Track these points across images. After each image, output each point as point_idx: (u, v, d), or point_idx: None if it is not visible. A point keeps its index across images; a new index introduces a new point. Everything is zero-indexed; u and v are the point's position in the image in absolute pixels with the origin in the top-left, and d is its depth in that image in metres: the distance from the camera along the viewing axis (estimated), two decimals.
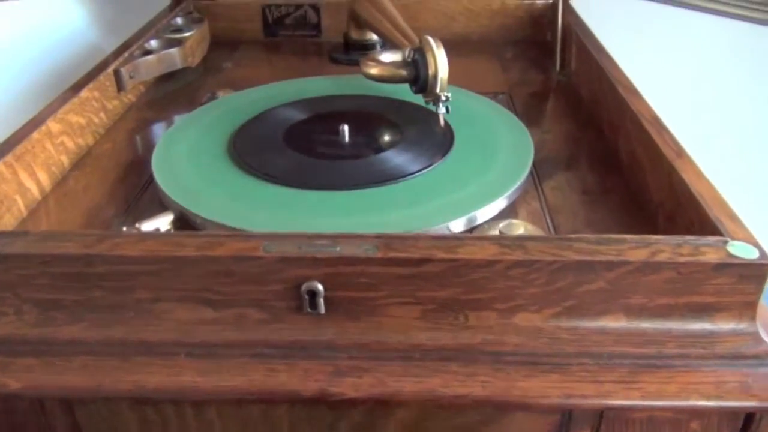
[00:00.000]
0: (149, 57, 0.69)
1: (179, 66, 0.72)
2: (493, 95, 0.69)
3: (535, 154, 0.55)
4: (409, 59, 0.57)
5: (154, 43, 0.72)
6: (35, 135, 0.52)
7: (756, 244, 0.37)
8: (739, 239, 0.38)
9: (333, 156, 0.54)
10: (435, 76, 0.55)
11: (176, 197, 0.48)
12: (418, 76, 0.56)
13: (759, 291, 0.37)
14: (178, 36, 0.74)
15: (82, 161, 0.58)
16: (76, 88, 0.60)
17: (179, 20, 0.80)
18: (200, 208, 0.47)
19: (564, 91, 0.72)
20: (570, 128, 0.63)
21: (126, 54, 0.68)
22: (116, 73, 0.65)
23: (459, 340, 0.39)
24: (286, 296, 0.38)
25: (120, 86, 0.65)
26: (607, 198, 0.52)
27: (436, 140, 0.55)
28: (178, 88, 0.74)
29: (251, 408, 0.40)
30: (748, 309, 0.37)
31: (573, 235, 0.38)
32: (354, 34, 0.80)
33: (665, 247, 0.37)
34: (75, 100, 0.58)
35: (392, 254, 0.37)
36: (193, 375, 0.38)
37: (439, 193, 0.49)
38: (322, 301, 0.38)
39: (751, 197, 0.93)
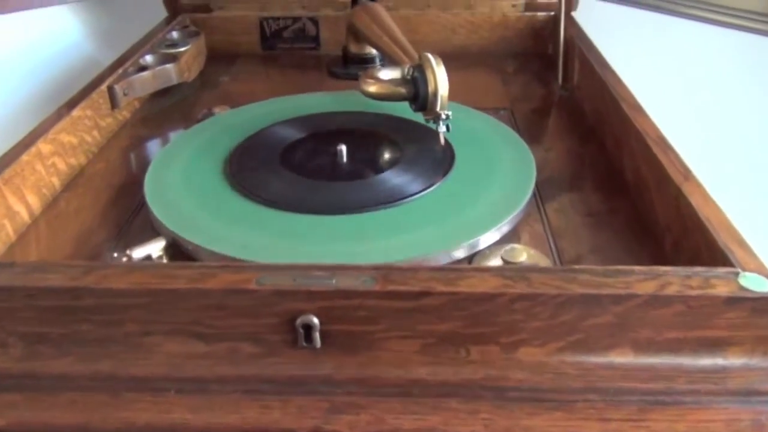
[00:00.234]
0: (144, 73, 0.67)
1: (175, 82, 0.71)
2: (495, 111, 0.68)
3: (538, 174, 0.53)
4: (409, 77, 0.56)
5: (149, 59, 0.71)
6: (25, 157, 0.50)
7: None
8: (750, 270, 0.36)
9: (331, 177, 0.52)
10: (435, 94, 0.53)
11: (168, 223, 0.47)
12: (417, 93, 0.55)
13: None
14: (173, 51, 0.73)
15: (74, 182, 0.57)
16: (68, 106, 0.58)
17: (175, 34, 0.79)
18: (193, 235, 0.45)
19: (566, 106, 0.71)
20: (573, 145, 0.62)
21: (120, 70, 0.67)
22: (110, 90, 0.63)
23: (460, 375, 0.37)
24: (281, 330, 0.37)
25: (114, 103, 0.64)
26: (611, 220, 0.50)
27: (436, 160, 0.54)
28: (174, 103, 0.72)
29: None
30: (761, 343, 0.36)
31: (578, 267, 0.37)
32: (353, 48, 0.78)
33: (674, 279, 0.36)
34: (67, 119, 0.56)
35: (391, 287, 0.36)
36: (183, 412, 0.37)
37: (439, 216, 0.48)
38: (318, 334, 0.37)
39: (756, 209, 0.92)
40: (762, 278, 0.36)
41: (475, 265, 0.45)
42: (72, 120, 0.57)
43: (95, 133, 0.62)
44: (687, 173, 0.45)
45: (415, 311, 0.36)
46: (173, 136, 0.66)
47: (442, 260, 0.44)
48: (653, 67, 0.93)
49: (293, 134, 0.59)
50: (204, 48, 0.81)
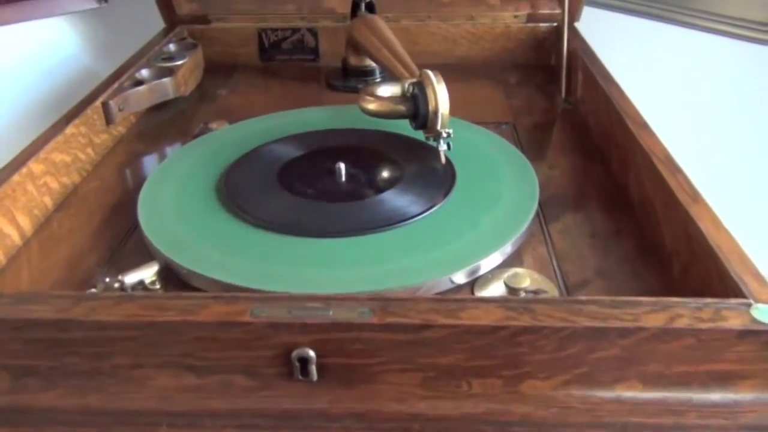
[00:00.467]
0: (140, 88, 0.66)
1: (171, 96, 0.70)
2: (497, 125, 0.67)
3: (541, 192, 0.52)
4: (408, 94, 0.55)
5: (145, 73, 0.70)
6: (16, 178, 0.49)
7: None
8: (763, 301, 0.35)
9: (328, 198, 0.51)
10: (435, 113, 0.52)
11: (161, 247, 0.45)
12: (417, 111, 0.53)
13: None
14: (170, 64, 0.71)
15: (67, 201, 0.56)
16: (61, 124, 0.57)
17: (172, 47, 0.78)
18: (186, 259, 0.44)
19: (570, 120, 0.69)
20: (576, 162, 0.60)
21: (116, 85, 0.66)
22: (105, 106, 0.62)
23: (461, 409, 0.36)
24: (276, 363, 0.36)
25: (109, 119, 0.63)
26: (617, 242, 0.49)
27: (436, 179, 0.53)
28: (171, 117, 0.71)
29: None
30: None
31: (584, 298, 0.35)
32: (352, 60, 0.77)
33: (684, 311, 0.34)
34: (60, 137, 0.55)
35: (389, 319, 0.34)
36: None
37: (440, 239, 0.46)
38: (314, 367, 0.36)
39: (757, 217, 0.91)
40: None
41: (476, 290, 0.44)
42: (65, 138, 0.56)
43: (89, 150, 0.60)
44: (695, 196, 0.44)
45: (415, 344, 0.35)
46: (169, 152, 0.65)
47: (443, 285, 0.43)
48: (655, 77, 0.92)
49: (290, 152, 0.58)
50: (201, 60, 0.80)
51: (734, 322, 0.34)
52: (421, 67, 0.60)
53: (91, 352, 0.36)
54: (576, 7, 0.80)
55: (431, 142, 0.54)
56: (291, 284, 0.42)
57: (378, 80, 0.77)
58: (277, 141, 0.60)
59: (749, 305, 0.34)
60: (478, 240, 0.46)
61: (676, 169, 0.47)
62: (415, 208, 0.49)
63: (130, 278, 0.44)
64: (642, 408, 0.35)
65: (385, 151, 0.58)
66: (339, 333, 0.35)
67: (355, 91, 0.76)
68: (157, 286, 0.44)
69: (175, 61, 0.73)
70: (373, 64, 0.76)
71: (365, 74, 0.77)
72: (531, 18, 0.82)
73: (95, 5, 0.87)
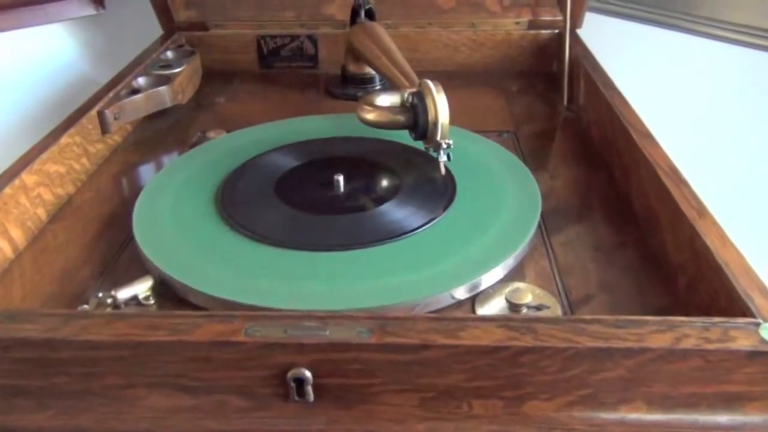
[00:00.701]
0: (136, 97, 0.65)
1: (168, 104, 0.69)
2: (498, 134, 0.66)
3: (543, 203, 0.51)
4: (408, 104, 0.54)
5: (141, 81, 0.69)
6: (8, 190, 0.48)
7: None
8: None
9: (327, 210, 0.50)
10: (435, 123, 0.51)
11: (157, 261, 0.44)
12: (417, 122, 0.52)
13: None
14: (167, 72, 0.71)
15: (61, 213, 0.55)
16: (55, 134, 0.56)
17: (169, 54, 0.77)
18: (181, 274, 0.43)
19: (571, 128, 0.69)
20: (579, 172, 0.60)
21: (111, 94, 0.65)
22: (100, 114, 0.61)
23: (462, 430, 0.35)
24: (271, 383, 0.35)
25: (104, 129, 0.62)
26: (621, 254, 0.48)
27: (436, 191, 0.52)
28: (168, 126, 0.70)
29: None
30: None
31: (588, 317, 0.34)
32: (352, 68, 0.76)
33: (691, 330, 0.33)
34: (54, 148, 0.54)
35: (388, 339, 0.33)
36: None
37: (440, 253, 0.45)
38: (310, 388, 0.35)
39: (760, 223, 0.90)
40: None
41: (477, 305, 0.43)
42: (60, 148, 0.55)
43: (84, 160, 0.59)
44: (701, 210, 0.43)
45: (414, 364, 0.34)
46: (166, 161, 0.64)
47: (444, 301, 0.42)
48: (658, 83, 0.91)
49: (288, 162, 0.57)
50: (199, 68, 0.79)
51: (743, 342, 0.33)
52: (421, 74, 0.59)
53: (82, 372, 0.35)
54: (578, 14, 0.79)
55: (431, 153, 0.53)
56: (287, 300, 0.41)
57: (377, 88, 0.77)
58: (274, 151, 0.59)
59: (758, 325, 0.34)
60: (479, 254, 0.45)
61: (681, 182, 0.46)
62: (414, 221, 0.48)
63: (124, 293, 0.43)
64: (647, 430, 0.34)
65: (384, 162, 0.57)
66: (336, 353, 0.34)
67: (355, 98, 0.75)
68: (151, 302, 0.43)
69: (173, 68, 0.72)
70: (373, 72, 0.75)
71: (364, 82, 0.76)
72: (532, 25, 0.82)
73: (93, 12, 0.86)
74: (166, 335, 0.34)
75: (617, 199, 0.55)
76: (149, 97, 0.67)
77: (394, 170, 0.55)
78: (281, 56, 0.84)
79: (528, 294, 0.42)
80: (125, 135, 0.68)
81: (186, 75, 0.73)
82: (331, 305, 0.41)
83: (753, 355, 0.33)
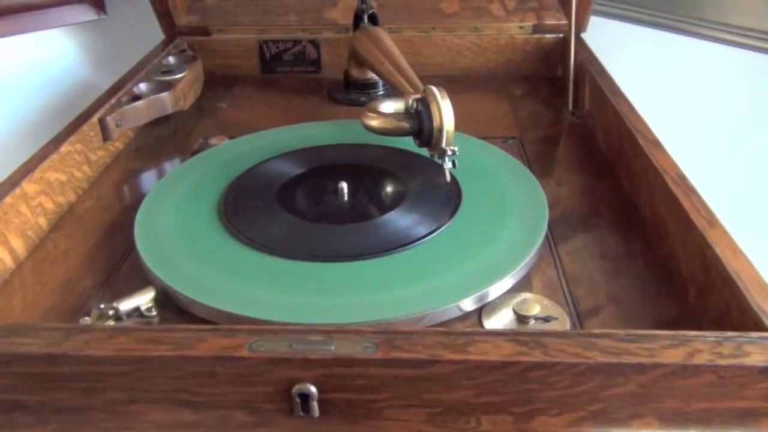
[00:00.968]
0: (137, 103, 0.65)
1: (170, 111, 0.68)
2: (503, 140, 0.65)
3: (549, 211, 0.50)
4: (412, 110, 0.53)
5: (143, 87, 0.68)
6: (8, 200, 0.48)
7: None
8: None
9: (331, 219, 0.50)
10: (440, 130, 0.51)
11: (159, 272, 0.44)
12: (422, 129, 0.52)
13: None
14: (169, 78, 0.70)
15: (62, 221, 0.54)
16: (56, 142, 0.56)
17: (171, 59, 0.77)
18: (184, 285, 0.43)
19: (577, 133, 0.68)
20: (585, 179, 0.59)
21: (113, 100, 0.64)
22: (102, 122, 0.61)
23: None
24: (276, 398, 0.34)
25: (106, 136, 0.61)
26: (629, 264, 0.47)
27: (441, 200, 0.51)
28: (169, 132, 0.70)
29: None
30: None
31: (598, 331, 0.34)
32: (354, 73, 0.76)
33: (703, 345, 0.33)
34: (55, 156, 0.54)
35: (395, 354, 0.33)
36: None
37: (446, 264, 0.45)
38: (315, 404, 0.34)
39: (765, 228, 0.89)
40: None
41: (484, 317, 0.42)
42: (60, 156, 0.55)
43: (85, 167, 0.59)
44: (712, 219, 0.42)
45: (421, 379, 0.33)
46: (168, 168, 0.64)
47: (450, 313, 0.42)
48: (664, 87, 0.90)
49: (291, 170, 0.56)
50: (201, 73, 0.79)
51: (757, 358, 0.32)
52: (424, 79, 0.59)
53: (83, 386, 0.35)
54: (582, 18, 0.78)
55: (436, 160, 0.53)
56: (291, 313, 0.40)
57: (380, 93, 0.76)
58: (277, 158, 0.58)
59: None
60: (486, 265, 0.45)
61: (690, 190, 0.45)
62: (419, 231, 0.47)
63: (126, 305, 0.42)
64: None
65: (388, 169, 0.56)
66: (342, 368, 0.33)
67: (357, 103, 0.75)
68: (153, 313, 0.43)
69: (174, 74, 0.71)
70: (376, 77, 0.75)
71: (367, 87, 0.76)
72: (537, 29, 0.81)
73: (94, 17, 0.86)
74: (168, 350, 0.33)
75: (625, 207, 0.54)
76: (151, 103, 0.66)
77: (399, 177, 0.55)
78: (283, 61, 0.84)
79: (536, 305, 0.41)
80: (127, 142, 0.67)
81: (188, 81, 0.72)
82: (336, 318, 0.40)
83: (767, 371, 0.32)
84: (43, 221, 0.52)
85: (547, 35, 0.81)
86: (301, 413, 0.34)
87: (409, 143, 0.56)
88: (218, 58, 0.84)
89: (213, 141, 0.64)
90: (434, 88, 0.52)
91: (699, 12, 0.85)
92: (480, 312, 0.42)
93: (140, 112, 0.65)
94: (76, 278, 0.48)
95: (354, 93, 0.76)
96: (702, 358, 0.32)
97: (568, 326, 0.41)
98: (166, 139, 0.69)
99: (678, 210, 0.44)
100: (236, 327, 0.35)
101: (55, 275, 0.48)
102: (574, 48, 0.71)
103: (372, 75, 0.75)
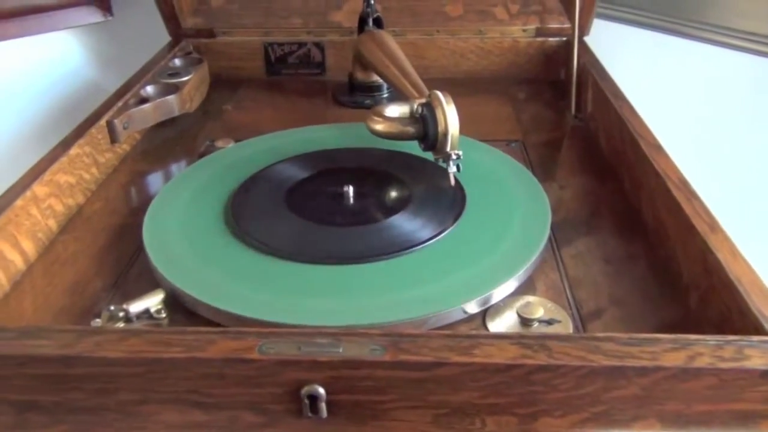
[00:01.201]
0: (144, 106, 0.65)
1: (176, 113, 0.69)
2: (506, 143, 0.66)
3: (553, 215, 0.51)
4: (417, 115, 0.54)
5: (150, 90, 0.69)
6: (19, 202, 0.49)
7: None
8: None
9: (337, 223, 0.50)
10: (445, 134, 0.51)
11: (167, 274, 0.45)
12: (426, 133, 0.52)
13: None
14: (175, 81, 0.71)
15: (71, 223, 0.55)
16: (65, 144, 0.56)
17: (177, 62, 0.77)
18: (193, 287, 0.43)
19: (580, 136, 0.69)
20: (588, 182, 0.60)
21: (120, 103, 0.65)
22: (109, 124, 0.62)
23: None
24: (284, 399, 0.35)
25: (113, 138, 0.62)
26: (631, 267, 0.48)
27: (446, 203, 0.52)
28: (176, 134, 0.70)
29: None
30: None
31: (601, 334, 0.34)
32: (359, 75, 0.76)
33: (704, 349, 0.33)
34: (64, 159, 0.54)
35: (401, 357, 0.34)
36: None
37: (450, 266, 0.45)
38: (323, 405, 0.35)
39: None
40: None
41: (488, 319, 0.43)
42: (70, 159, 0.55)
43: (94, 170, 0.60)
44: (713, 224, 0.43)
45: (427, 381, 0.34)
46: (174, 170, 0.64)
47: (455, 315, 0.42)
48: (666, 90, 0.91)
49: (298, 173, 0.57)
50: (207, 76, 0.80)
51: (757, 361, 0.33)
52: (428, 82, 0.59)
53: (96, 387, 0.35)
54: (585, 22, 0.79)
55: (441, 164, 0.53)
56: (299, 315, 0.41)
57: (385, 96, 0.77)
58: (283, 162, 0.59)
59: None
60: (490, 267, 0.45)
61: (692, 195, 0.46)
62: (424, 234, 0.48)
63: (136, 307, 0.43)
64: None
65: (393, 172, 0.57)
66: (350, 370, 0.34)
67: (362, 106, 0.76)
68: (163, 315, 0.43)
69: (181, 77, 0.72)
70: (380, 80, 0.75)
71: (372, 89, 0.76)
72: (540, 32, 0.82)
73: (101, 19, 0.86)
74: (179, 352, 0.34)
75: (627, 210, 0.55)
76: (158, 106, 0.67)
77: (404, 181, 0.55)
78: (288, 63, 0.84)
79: (539, 308, 0.42)
80: (134, 144, 0.68)
81: (194, 83, 0.73)
82: (342, 320, 0.41)
83: (767, 374, 0.32)
84: (52, 223, 0.53)
85: (550, 39, 0.81)
86: (309, 414, 0.35)
87: (413, 147, 0.56)
88: (223, 61, 0.84)
89: (219, 143, 0.65)
90: (439, 93, 0.52)
91: (701, 15, 0.86)
92: (484, 314, 0.43)
93: (147, 114, 0.66)
94: (85, 280, 0.48)
95: (358, 95, 0.77)
96: (703, 362, 0.33)
97: (571, 329, 0.42)
98: (173, 141, 0.69)
99: (680, 214, 0.45)
100: (245, 330, 0.36)
101: (65, 277, 0.49)
102: (577, 51, 0.72)
103: (376, 78, 0.75)
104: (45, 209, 0.52)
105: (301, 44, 0.83)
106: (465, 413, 0.35)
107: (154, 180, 0.63)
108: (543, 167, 0.62)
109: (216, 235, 0.50)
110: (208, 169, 0.59)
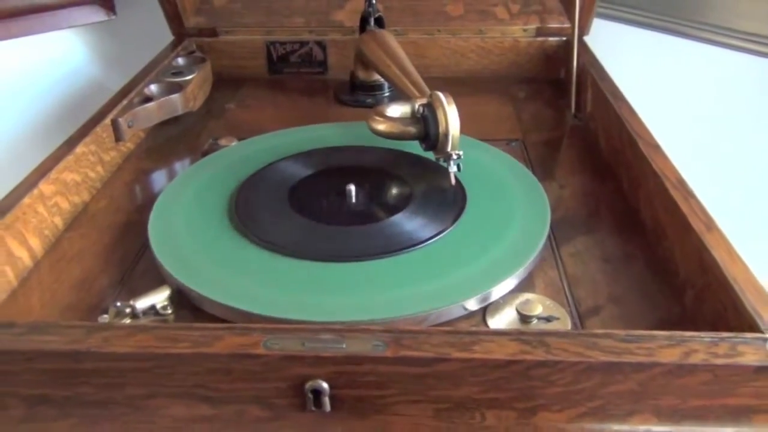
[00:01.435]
0: (149, 105, 0.66)
1: (180, 112, 0.70)
2: (507, 143, 0.66)
3: (552, 214, 0.52)
4: (419, 115, 0.55)
5: (154, 88, 0.70)
6: (27, 200, 0.49)
7: None
8: None
9: (340, 221, 0.51)
10: (446, 135, 0.52)
11: (174, 271, 0.45)
12: (428, 133, 0.53)
13: None
14: (179, 80, 0.71)
15: (77, 220, 0.56)
16: (71, 143, 0.57)
17: (180, 61, 0.78)
18: (198, 284, 0.44)
19: (579, 135, 0.69)
20: (587, 181, 0.60)
21: (125, 101, 0.66)
22: (114, 123, 0.62)
23: None
24: (289, 394, 0.36)
25: (118, 136, 0.63)
26: (629, 266, 0.49)
27: (447, 202, 0.53)
28: (179, 132, 0.71)
29: None
30: None
31: (599, 331, 0.35)
32: (361, 75, 0.77)
33: (699, 346, 0.34)
34: (70, 157, 0.55)
35: (403, 352, 0.34)
36: None
37: (451, 265, 0.46)
38: (327, 399, 0.35)
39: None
40: None
41: (488, 316, 0.43)
42: (75, 157, 0.56)
43: (99, 168, 0.60)
44: (710, 223, 0.43)
45: (429, 377, 0.35)
46: (178, 168, 0.65)
47: (455, 312, 0.43)
48: (665, 90, 0.92)
49: (300, 171, 0.58)
50: (210, 75, 0.80)
51: (751, 357, 0.33)
52: (428, 80, 0.60)
53: (105, 382, 0.36)
54: (585, 21, 0.79)
55: (441, 163, 0.54)
56: (301, 311, 0.42)
57: (386, 95, 0.77)
58: (286, 160, 0.60)
59: (765, 340, 0.34)
60: (490, 265, 0.46)
61: (689, 194, 0.47)
62: (426, 232, 0.49)
63: (142, 303, 0.44)
64: None
65: (394, 171, 0.57)
66: (352, 366, 0.35)
67: (364, 105, 0.76)
68: (169, 311, 0.44)
69: (184, 75, 0.73)
70: (382, 79, 0.76)
71: (373, 89, 0.77)
72: (540, 32, 0.82)
73: (104, 18, 0.87)
74: (187, 347, 0.35)
75: (625, 209, 0.55)
76: (162, 105, 0.68)
77: (405, 180, 0.56)
78: (290, 62, 0.85)
79: (538, 305, 0.43)
80: (138, 142, 0.69)
81: (197, 82, 0.74)
82: (344, 317, 0.41)
83: (761, 370, 0.33)
84: (59, 221, 0.54)
85: (551, 38, 0.82)
86: (313, 408, 0.36)
87: (414, 146, 0.57)
88: (226, 59, 0.85)
89: (222, 142, 0.66)
90: (440, 94, 0.53)
91: (702, 16, 0.86)
92: (484, 311, 0.44)
93: (151, 113, 0.67)
94: (91, 277, 0.49)
95: (360, 94, 0.77)
96: (698, 358, 0.34)
97: (569, 326, 0.43)
98: (176, 139, 0.70)
99: (677, 214, 0.46)
100: (251, 326, 0.36)
101: (71, 274, 0.49)
102: (576, 51, 0.73)
103: (378, 77, 0.76)
104: (51, 207, 0.53)
105: (303, 43, 0.84)
106: (465, 407, 0.36)
107: (158, 178, 0.64)
108: (543, 166, 0.63)
109: (220, 233, 0.50)
110: (212, 167, 0.60)
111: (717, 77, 0.91)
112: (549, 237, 0.51)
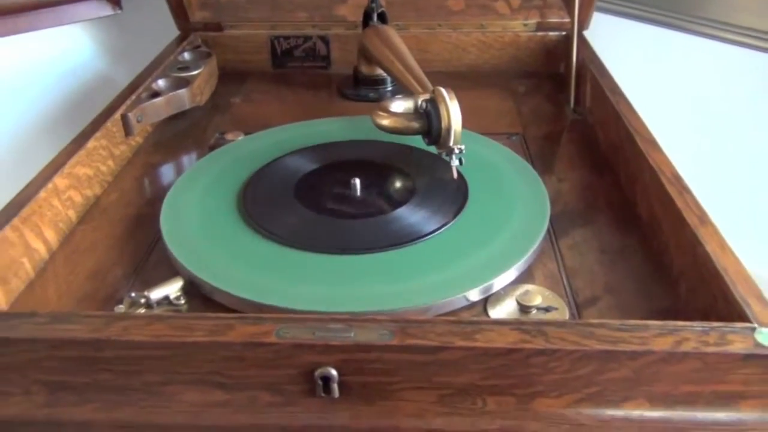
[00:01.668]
0: (157, 99, 0.67)
1: (187, 107, 0.71)
2: (507, 137, 0.68)
3: (551, 207, 0.53)
4: (422, 110, 0.56)
5: (161, 83, 0.71)
6: (42, 194, 0.51)
7: None
8: (767, 325, 0.36)
9: (345, 214, 0.53)
10: (448, 129, 0.53)
11: (186, 263, 0.47)
12: (430, 128, 0.55)
13: None
14: (185, 74, 0.73)
15: (89, 213, 0.57)
16: (83, 138, 0.59)
17: (186, 55, 0.79)
18: (210, 275, 0.46)
19: (579, 130, 0.71)
20: (586, 175, 0.62)
21: (133, 96, 0.67)
22: (124, 118, 0.64)
23: (476, 425, 0.38)
24: (300, 380, 0.38)
25: (128, 131, 0.64)
26: (625, 258, 0.50)
27: (449, 196, 0.54)
28: (186, 126, 0.73)
29: None
30: None
31: (595, 321, 0.37)
32: (364, 69, 0.78)
33: (690, 335, 0.36)
34: (82, 152, 0.57)
35: (409, 341, 0.36)
36: None
37: (454, 256, 0.48)
38: (336, 385, 0.37)
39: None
40: None
41: (489, 307, 0.45)
42: (87, 152, 0.58)
43: (110, 162, 0.62)
44: (703, 217, 0.45)
45: (433, 364, 0.37)
46: (186, 162, 0.67)
47: (457, 303, 0.45)
48: (664, 85, 0.93)
49: (306, 165, 0.59)
50: (216, 69, 0.81)
51: (739, 345, 0.35)
52: (430, 75, 0.61)
53: (123, 369, 0.38)
54: (585, 16, 0.81)
55: (444, 157, 0.56)
56: (309, 302, 0.44)
57: (389, 89, 0.79)
58: (292, 154, 0.61)
59: (754, 329, 0.36)
60: (491, 258, 0.48)
61: (684, 189, 0.48)
62: (429, 225, 0.51)
63: (156, 294, 0.45)
64: (649, 426, 0.37)
65: (398, 165, 0.59)
66: (360, 353, 0.36)
67: (367, 99, 0.78)
68: (182, 301, 0.46)
69: (191, 70, 0.74)
70: (384, 74, 0.77)
71: (376, 83, 0.78)
72: (540, 27, 0.84)
73: (110, 12, 0.88)
74: (202, 336, 0.37)
75: (622, 203, 0.57)
76: (169, 99, 0.69)
77: (409, 174, 0.57)
78: (294, 56, 0.86)
79: (538, 296, 0.44)
80: (146, 136, 0.70)
81: (204, 77, 0.75)
82: (351, 307, 0.43)
83: (748, 358, 0.35)
84: (72, 214, 0.55)
85: (551, 33, 0.83)
86: (322, 394, 0.37)
87: (417, 140, 0.58)
88: (230, 54, 0.86)
89: (229, 136, 0.67)
90: (443, 90, 0.55)
91: (701, 10, 0.87)
92: (485, 302, 0.46)
93: (159, 108, 0.68)
94: (105, 268, 0.51)
95: (363, 89, 0.79)
96: (689, 346, 0.35)
97: (567, 316, 0.44)
98: (184, 133, 0.71)
99: (672, 208, 0.47)
100: (263, 315, 0.38)
101: (86, 265, 0.51)
102: (576, 46, 0.74)
103: (381, 71, 0.77)
104: (65, 200, 0.54)
105: (306, 38, 0.85)
106: (467, 394, 0.37)
107: (167, 172, 0.65)
108: (542, 160, 0.64)
109: (231, 226, 0.52)
110: (220, 161, 0.61)
111: (716, 72, 0.92)
112: (548, 230, 0.52)
